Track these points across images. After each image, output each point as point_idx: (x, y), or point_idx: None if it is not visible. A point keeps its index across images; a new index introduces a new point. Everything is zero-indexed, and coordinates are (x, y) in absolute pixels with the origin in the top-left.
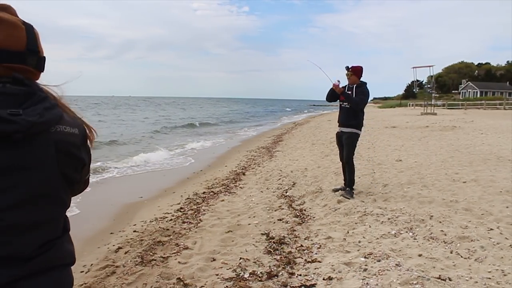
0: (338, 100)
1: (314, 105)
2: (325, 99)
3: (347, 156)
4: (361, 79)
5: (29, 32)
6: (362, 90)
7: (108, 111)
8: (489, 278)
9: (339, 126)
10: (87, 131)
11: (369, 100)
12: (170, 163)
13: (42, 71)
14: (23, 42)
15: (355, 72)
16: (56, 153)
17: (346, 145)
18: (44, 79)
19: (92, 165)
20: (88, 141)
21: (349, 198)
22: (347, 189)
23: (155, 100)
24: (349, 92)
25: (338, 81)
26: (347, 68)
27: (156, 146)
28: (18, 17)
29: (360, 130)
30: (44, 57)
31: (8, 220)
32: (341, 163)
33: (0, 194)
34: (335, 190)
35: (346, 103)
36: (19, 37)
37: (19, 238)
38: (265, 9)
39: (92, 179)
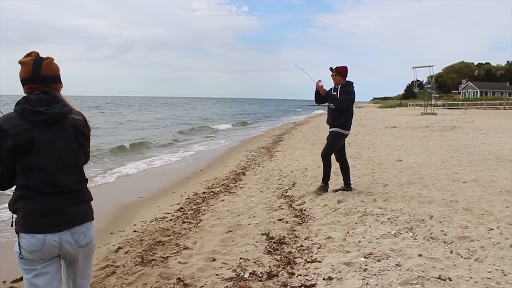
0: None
1: (311, 105)
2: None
3: (324, 151)
4: (347, 78)
5: (35, 64)
6: (346, 90)
7: (119, 111)
8: (489, 278)
9: (329, 127)
10: (86, 118)
11: (368, 100)
12: (170, 163)
13: (46, 84)
14: (30, 71)
15: (339, 72)
16: (73, 130)
17: (327, 141)
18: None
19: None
20: (88, 123)
21: (321, 193)
22: (322, 184)
23: (156, 100)
24: (335, 93)
25: (320, 81)
26: (331, 69)
27: (186, 148)
28: (35, 56)
29: (347, 130)
30: (45, 76)
31: (53, 169)
32: (338, 163)
33: (47, 154)
34: (335, 190)
35: (332, 104)
36: (28, 69)
37: (62, 179)
38: (265, 9)
39: (93, 180)
